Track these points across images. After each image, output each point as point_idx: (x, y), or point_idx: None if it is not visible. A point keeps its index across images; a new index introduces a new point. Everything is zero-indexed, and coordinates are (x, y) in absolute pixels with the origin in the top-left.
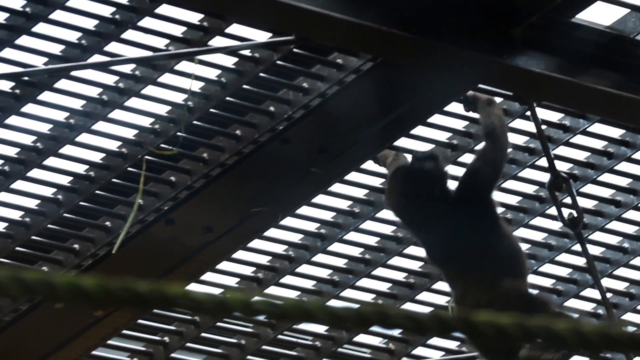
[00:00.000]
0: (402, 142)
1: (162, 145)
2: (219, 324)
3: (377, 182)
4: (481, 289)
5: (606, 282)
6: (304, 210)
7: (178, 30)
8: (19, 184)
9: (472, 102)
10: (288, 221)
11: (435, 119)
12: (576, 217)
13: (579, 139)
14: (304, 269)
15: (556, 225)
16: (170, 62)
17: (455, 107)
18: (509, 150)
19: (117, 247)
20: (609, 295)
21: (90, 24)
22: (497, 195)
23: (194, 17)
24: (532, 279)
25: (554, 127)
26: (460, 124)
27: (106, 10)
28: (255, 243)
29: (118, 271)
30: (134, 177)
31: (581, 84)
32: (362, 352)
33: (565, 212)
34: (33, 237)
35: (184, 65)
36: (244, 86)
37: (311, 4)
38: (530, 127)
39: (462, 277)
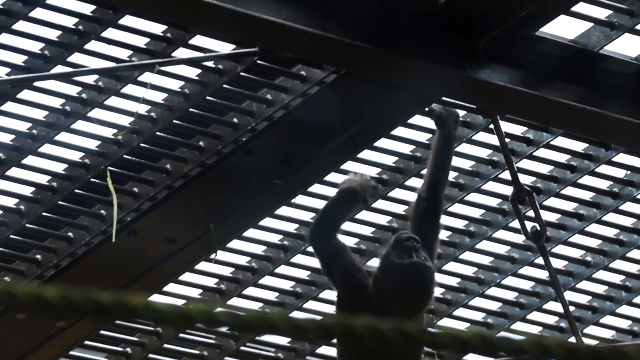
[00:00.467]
0: (366, 154)
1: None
2: (181, 335)
3: None
4: None
5: (569, 295)
6: (266, 221)
7: (141, 42)
8: None
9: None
10: (251, 233)
11: (399, 131)
12: (539, 230)
13: (542, 152)
14: (266, 280)
15: (519, 238)
16: (134, 73)
17: (419, 119)
18: (472, 163)
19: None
20: (571, 308)
21: (53, 34)
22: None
23: (158, 29)
24: (495, 292)
25: (518, 140)
26: (423, 137)
27: (69, 21)
28: (218, 254)
29: (80, 282)
30: (97, 188)
31: (545, 97)
32: None
33: (528, 225)
34: None
35: (147, 77)
36: (208, 97)
37: (275, 15)
38: (494, 140)
39: None
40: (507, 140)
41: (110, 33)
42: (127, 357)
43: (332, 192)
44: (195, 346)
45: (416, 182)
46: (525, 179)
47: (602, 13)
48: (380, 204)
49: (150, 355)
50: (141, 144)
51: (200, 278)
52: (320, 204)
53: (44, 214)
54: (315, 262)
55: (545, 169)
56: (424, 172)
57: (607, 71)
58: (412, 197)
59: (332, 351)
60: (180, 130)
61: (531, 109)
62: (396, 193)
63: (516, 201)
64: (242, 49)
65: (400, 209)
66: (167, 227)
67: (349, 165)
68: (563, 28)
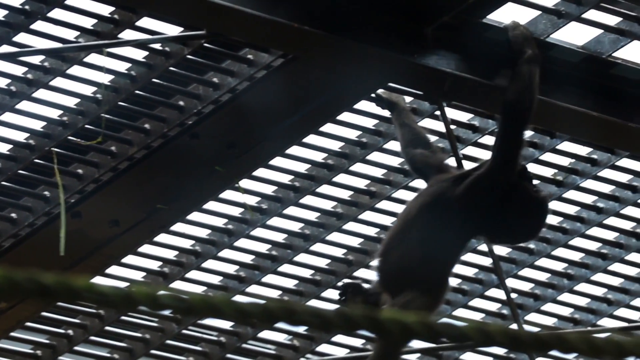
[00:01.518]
0: (311, 139)
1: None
2: (123, 317)
3: (285, 178)
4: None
5: (511, 282)
6: (211, 205)
7: (88, 22)
8: None
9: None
10: (195, 216)
11: (345, 116)
12: None
13: (487, 140)
14: (210, 264)
15: None
16: (80, 54)
17: (365, 105)
18: None
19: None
20: (513, 295)
21: None
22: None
23: (105, 10)
24: None
25: (463, 127)
26: (370, 122)
27: (16, 1)
28: (162, 237)
29: (23, 263)
30: (41, 169)
31: (491, 84)
32: (267, 348)
33: None
34: None
35: (93, 58)
36: (154, 80)
37: None
38: (440, 126)
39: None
40: (452, 127)
41: (57, 13)
42: (69, 340)
43: (278, 176)
44: (138, 329)
45: (362, 167)
46: (470, 166)
47: (549, 1)
48: (325, 189)
49: (92, 338)
50: (86, 126)
51: (143, 261)
52: (267, 188)
53: None
54: (258, 247)
55: (490, 155)
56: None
57: (554, 59)
58: (357, 182)
59: (274, 335)
60: (126, 112)
61: (477, 96)
62: (341, 178)
63: None
64: (190, 31)
65: (345, 194)
66: (111, 210)
67: (294, 150)
68: (510, 16)
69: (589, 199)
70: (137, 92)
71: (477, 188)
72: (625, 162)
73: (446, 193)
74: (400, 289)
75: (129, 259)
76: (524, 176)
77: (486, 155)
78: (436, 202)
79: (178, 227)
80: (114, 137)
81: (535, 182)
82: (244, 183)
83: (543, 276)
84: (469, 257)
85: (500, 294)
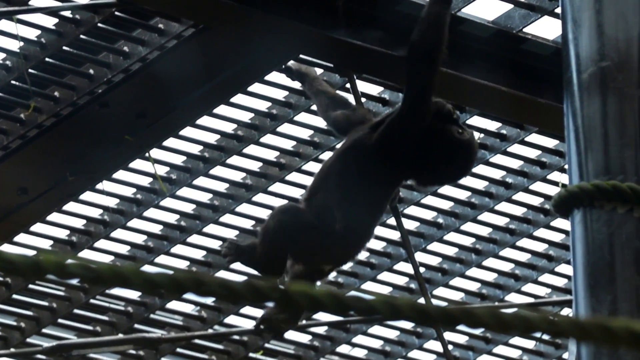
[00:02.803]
0: (221, 109)
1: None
2: (30, 286)
3: (195, 149)
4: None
5: (419, 256)
6: (120, 174)
7: None
8: None
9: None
10: (105, 185)
11: (255, 87)
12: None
13: None
14: (118, 233)
15: None
16: None
17: (276, 76)
18: None
19: None
20: (422, 269)
21: None
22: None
23: None
24: None
25: (374, 100)
26: (280, 94)
27: None
28: (70, 206)
29: None
30: None
31: (401, 57)
32: (175, 319)
33: None
34: None
35: (3, 24)
36: (64, 48)
37: None
38: (350, 99)
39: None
40: (363, 99)
41: None
42: None
43: (188, 146)
44: (45, 297)
45: (272, 139)
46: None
47: None
48: (234, 160)
49: None
50: None
51: (52, 229)
52: (177, 158)
53: None
54: (167, 217)
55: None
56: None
57: (464, 34)
58: (267, 154)
59: (182, 306)
60: (36, 79)
61: (388, 70)
62: (251, 150)
63: None
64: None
65: (254, 165)
66: (20, 177)
67: (204, 120)
68: None
69: (497, 174)
70: (47, 59)
71: (390, 133)
72: (534, 138)
73: (363, 140)
74: None
75: (37, 227)
76: (446, 118)
77: None
78: (354, 149)
79: (87, 196)
80: (23, 105)
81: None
82: (154, 153)
83: (451, 251)
84: (378, 230)
85: (408, 268)
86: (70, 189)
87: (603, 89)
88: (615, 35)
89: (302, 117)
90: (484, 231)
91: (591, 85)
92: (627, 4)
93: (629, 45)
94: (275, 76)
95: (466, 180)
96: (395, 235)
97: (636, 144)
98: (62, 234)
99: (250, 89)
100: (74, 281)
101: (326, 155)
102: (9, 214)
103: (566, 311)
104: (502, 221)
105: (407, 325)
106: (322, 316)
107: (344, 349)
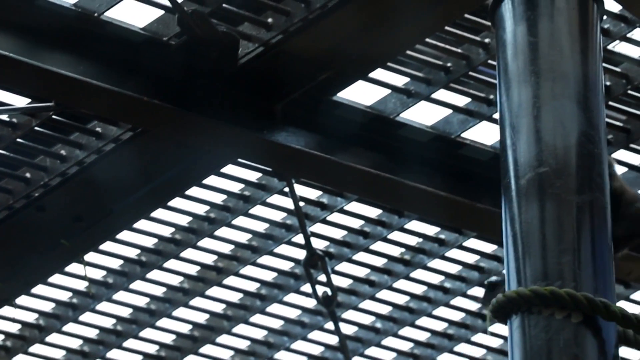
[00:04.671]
0: (159, 213)
1: None
2: None
3: (132, 253)
4: None
5: None
6: (56, 278)
7: None
8: None
9: None
10: (40, 289)
11: (194, 191)
12: (330, 296)
13: (335, 217)
14: (54, 338)
15: (310, 303)
16: None
17: (215, 180)
18: (266, 226)
19: None
20: None
21: None
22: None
23: None
24: (283, 355)
25: (312, 205)
26: (218, 198)
27: None
28: (4, 311)
29: None
30: None
31: (340, 162)
32: None
33: (320, 289)
34: None
35: None
36: (0, 151)
37: (72, 70)
38: (288, 203)
39: None
40: (301, 204)
41: None
42: None
43: (125, 250)
44: None
45: (210, 243)
46: (318, 244)
47: (399, 80)
48: (172, 263)
49: None
50: None
51: None
52: (114, 262)
53: None
54: (104, 321)
55: (338, 234)
56: None
57: (403, 138)
58: (204, 258)
59: None
60: None
61: (326, 174)
62: (188, 253)
63: (308, 265)
64: (38, 103)
65: (192, 269)
66: None
67: (141, 224)
68: (361, 94)
69: (436, 278)
70: None
71: None
72: (472, 243)
73: None
74: None
75: None
76: None
77: (334, 233)
78: None
79: (22, 300)
80: None
81: (382, 261)
82: (90, 256)
83: (389, 356)
84: (315, 335)
85: None
86: (5, 293)
87: (541, 195)
88: (553, 141)
89: (240, 220)
90: (422, 336)
91: (529, 191)
92: (565, 111)
93: (567, 151)
94: (213, 180)
95: (404, 285)
96: (333, 339)
97: (574, 250)
98: None
99: (189, 192)
100: None
101: (265, 260)
102: None
103: None
104: (440, 326)
105: None
106: None
107: None
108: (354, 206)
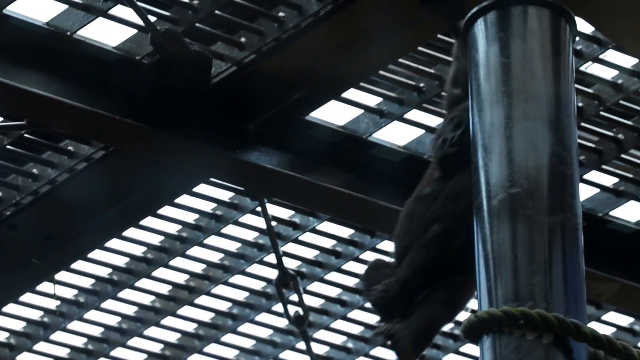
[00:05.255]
0: (131, 232)
1: None
2: None
3: (104, 272)
4: None
5: None
6: (27, 297)
7: None
8: None
9: None
10: (10, 308)
11: (166, 210)
12: (302, 315)
13: (308, 237)
14: (24, 357)
15: (282, 323)
16: None
17: (187, 199)
18: (238, 245)
19: None
20: None
21: None
22: None
23: None
24: None
25: (284, 224)
26: (190, 217)
27: None
28: None
29: None
30: None
31: (312, 182)
32: None
33: (292, 309)
34: None
35: None
36: None
37: (44, 89)
38: (260, 223)
39: None
40: (273, 223)
41: None
42: None
43: (96, 269)
44: None
45: (182, 262)
46: (290, 263)
47: (371, 100)
48: (143, 283)
49: None
50: None
51: None
52: (85, 281)
53: None
54: (75, 340)
55: (310, 253)
56: None
57: (376, 158)
58: (176, 277)
59: None
60: None
61: (298, 193)
62: (160, 272)
63: (280, 285)
64: (10, 121)
65: (164, 288)
66: None
67: (113, 243)
68: (333, 114)
69: None
70: None
71: None
72: None
73: None
74: None
75: None
76: None
77: (306, 252)
78: None
79: None
80: None
81: (354, 280)
82: (62, 275)
83: None
84: (287, 354)
85: None
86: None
87: (513, 216)
88: (525, 162)
89: (212, 240)
90: (394, 356)
91: (501, 212)
92: (537, 132)
93: (539, 172)
94: (185, 199)
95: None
96: (304, 359)
97: (545, 271)
98: None
99: (160, 211)
100: None
101: (237, 279)
102: None
103: None
104: None
105: None
106: None
107: None
108: (326, 226)
